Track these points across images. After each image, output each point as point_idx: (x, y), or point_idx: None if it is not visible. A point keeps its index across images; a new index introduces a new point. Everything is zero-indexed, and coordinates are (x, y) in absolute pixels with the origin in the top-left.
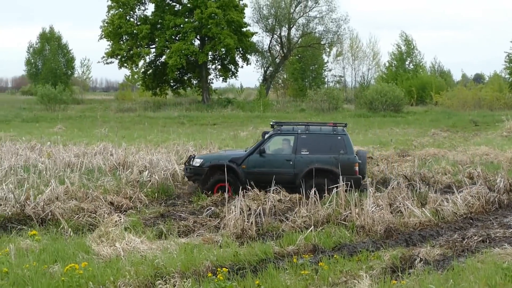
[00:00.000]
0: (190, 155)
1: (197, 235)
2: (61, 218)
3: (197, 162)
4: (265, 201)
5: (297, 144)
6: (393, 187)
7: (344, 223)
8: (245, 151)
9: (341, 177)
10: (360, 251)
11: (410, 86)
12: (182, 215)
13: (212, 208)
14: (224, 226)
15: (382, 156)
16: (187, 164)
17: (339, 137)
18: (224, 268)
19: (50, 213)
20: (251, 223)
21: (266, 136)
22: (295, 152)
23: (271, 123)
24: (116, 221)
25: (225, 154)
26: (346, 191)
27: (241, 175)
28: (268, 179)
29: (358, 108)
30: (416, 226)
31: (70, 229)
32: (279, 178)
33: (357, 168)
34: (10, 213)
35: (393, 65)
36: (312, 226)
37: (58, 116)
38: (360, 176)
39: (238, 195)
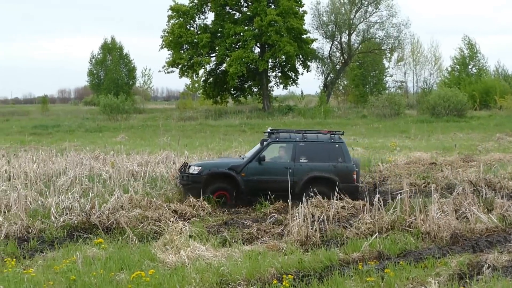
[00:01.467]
0: (184, 162)
1: (261, 243)
2: (126, 226)
3: (194, 169)
4: (328, 207)
5: (296, 152)
6: (458, 193)
7: (409, 229)
8: (242, 158)
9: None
10: (426, 257)
11: (473, 91)
12: (246, 222)
13: (276, 215)
14: (288, 233)
15: (446, 162)
16: (182, 171)
17: (337, 145)
18: (289, 275)
19: (115, 222)
20: (315, 230)
21: (265, 143)
22: (294, 160)
23: (267, 130)
24: (180, 229)
25: (222, 161)
26: (343, 199)
27: (241, 183)
28: (267, 187)
29: (420, 113)
30: (483, 232)
31: (135, 237)
32: (279, 186)
33: (355, 176)
34: (76, 221)
35: (456, 69)
36: (377, 233)
37: (121, 125)
38: (358, 184)
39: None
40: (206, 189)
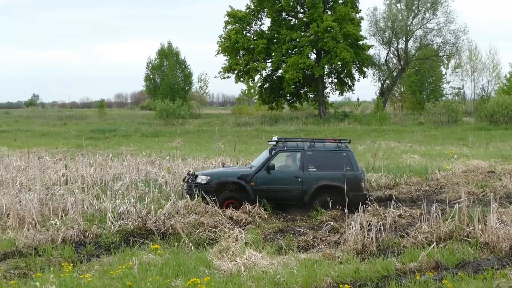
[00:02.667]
0: (189, 172)
1: (317, 251)
2: (182, 233)
3: (203, 179)
4: (385, 216)
5: (304, 160)
6: None
7: (467, 239)
8: (250, 167)
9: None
10: (485, 268)
11: None
12: (301, 230)
13: (332, 223)
14: (344, 242)
15: (505, 170)
16: (189, 181)
17: (344, 154)
18: (345, 285)
19: (171, 227)
20: (372, 238)
21: (273, 152)
22: (303, 169)
23: (274, 138)
24: (236, 236)
25: (230, 170)
26: (352, 208)
27: (250, 192)
28: (276, 196)
29: (478, 121)
30: None
31: (190, 243)
32: (288, 195)
33: (363, 185)
34: (132, 227)
35: None
36: (434, 242)
37: (177, 130)
38: (367, 193)
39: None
40: (216, 199)
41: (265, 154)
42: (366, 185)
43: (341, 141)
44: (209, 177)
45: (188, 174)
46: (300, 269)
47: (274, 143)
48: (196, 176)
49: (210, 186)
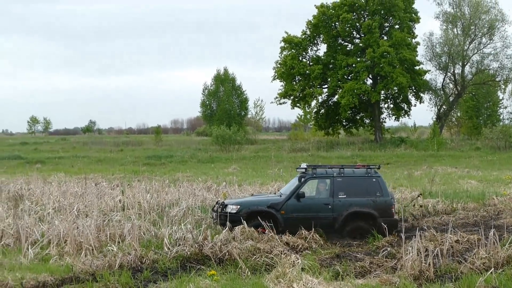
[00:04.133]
0: (218, 201)
1: (373, 276)
2: (238, 258)
3: (233, 208)
4: (442, 241)
5: (334, 187)
6: None
7: None
8: (280, 195)
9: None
10: None
11: None
12: (358, 255)
13: (388, 249)
14: (401, 267)
15: None
16: (219, 211)
17: (374, 179)
18: None
19: (227, 253)
20: (429, 264)
21: (302, 180)
22: (333, 196)
23: (302, 166)
24: (293, 261)
25: (260, 199)
26: (384, 233)
27: (281, 221)
28: (307, 224)
29: None
30: None
31: (247, 269)
32: (319, 222)
33: (393, 210)
34: (189, 252)
35: None
36: (492, 268)
37: (233, 156)
38: (397, 218)
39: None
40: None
41: (294, 182)
42: (395, 211)
43: (370, 166)
44: (239, 206)
45: (217, 203)
46: None
47: (303, 170)
48: (226, 205)
49: (240, 215)
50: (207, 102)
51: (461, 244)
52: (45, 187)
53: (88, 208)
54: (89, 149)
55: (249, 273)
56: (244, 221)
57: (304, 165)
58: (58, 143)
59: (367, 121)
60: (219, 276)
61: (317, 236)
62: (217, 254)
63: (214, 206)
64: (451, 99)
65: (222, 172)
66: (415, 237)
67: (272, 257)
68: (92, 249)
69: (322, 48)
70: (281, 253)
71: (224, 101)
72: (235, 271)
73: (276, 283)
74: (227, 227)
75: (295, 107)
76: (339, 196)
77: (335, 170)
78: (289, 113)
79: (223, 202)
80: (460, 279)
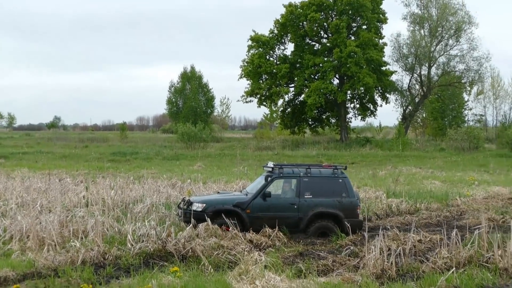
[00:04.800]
0: (183, 198)
1: (336, 275)
2: (201, 255)
3: (198, 206)
4: (404, 241)
5: (300, 187)
6: None
7: (487, 265)
8: (246, 194)
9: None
10: None
11: None
12: (321, 254)
13: (351, 248)
14: (363, 266)
15: None
16: (184, 208)
17: (340, 180)
18: None
19: (190, 250)
20: (391, 263)
21: (269, 179)
22: (299, 196)
23: (269, 164)
24: (256, 259)
25: (225, 198)
26: (348, 234)
27: (246, 220)
28: (272, 224)
29: (499, 147)
30: None
31: (210, 266)
32: (284, 222)
33: (359, 211)
34: (152, 249)
35: None
36: (454, 268)
37: (198, 154)
38: (362, 219)
39: None
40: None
41: (260, 180)
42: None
43: (337, 167)
44: (205, 204)
45: (183, 200)
46: None
47: (270, 169)
48: (191, 203)
49: (205, 214)
50: (173, 99)
51: (424, 243)
52: (8, 182)
53: (51, 204)
54: (53, 145)
55: (212, 270)
56: (209, 220)
57: (271, 164)
58: (22, 139)
59: (333, 120)
60: (182, 273)
61: (281, 234)
62: (180, 251)
63: (180, 203)
64: (417, 100)
65: (187, 170)
66: (378, 236)
67: (235, 254)
68: (55, 245)
69: (289, 47)
70: (244, 251)
71: (191, 99)
72: (198, 268)
73: (239, 280)
74: (191, 224)
75: (261, 106)
76: (305, 196)
77: (302, 170)
78: (255, 112)
79: (189, 199)
80: (421, 278)
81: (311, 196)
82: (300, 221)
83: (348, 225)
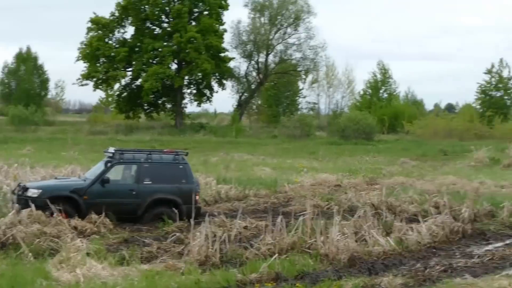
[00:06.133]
0: (19, 183)
1: (160, 262)
2: (21, 242)
3: (34, 192)
4: (230, 227)
5: (140, 173)
6: (359, 216)
7: (309, 251)
8: (84, 180)
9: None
10: (323, 279)
11: (383, 115)
12: (146, 240)
13: (177, 234)
14: (188, 253)
15: (351, 184)
16: (19, 194)
17: (181, 166)
18: None
19: (11, 237)
20: (215, 250)
21: (109, 165)
22: (138, 182)
23: (110, 150)
24: (78, 246)
25: (62, 183)
26: (184, 219)
27: (83, 206)
28: (111, 210)
29: (330, 135)
30: (380, 255)
31: (30, 253)
32: (122, 208)
33: (197, 197)
34: None
35: (368, 93)
36: (277, 254)
37: (28, 137)
38: (200, 205)
39: None
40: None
41: (100, 166)
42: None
43: (179, 153)
44: (40, 190)
45: (18, 185)
46: (140, 281)
47: (111, 154)
48: (27, 188)
49: (42, 200)
50: (6, 81)
51: (250, 230)
52: None
53: None
54: None
55: (32, 257)
56: (45, 206)
57: (111, 149)
58: None
59: (169, 106)
60: (0, 261)
61: (107, 220)
62: (0, 238)
63: (15, 188)
64: (253, 87)
65: (15, 154)
66: (204, 223)
67: (58, 242)
68: None
69: (130, 31)
70: (68, 238)
71: (25, 81)
72: (17, 256)
73: (59, 268)
74: (15, 210)
75: (97, 90)
76: (144, 182)
77: (143, 156)
78: (91, 96)
79: (25, 185)
80: (244, 265)
81: (150, 182)
82: (139, 207)
83: (187, 211)
